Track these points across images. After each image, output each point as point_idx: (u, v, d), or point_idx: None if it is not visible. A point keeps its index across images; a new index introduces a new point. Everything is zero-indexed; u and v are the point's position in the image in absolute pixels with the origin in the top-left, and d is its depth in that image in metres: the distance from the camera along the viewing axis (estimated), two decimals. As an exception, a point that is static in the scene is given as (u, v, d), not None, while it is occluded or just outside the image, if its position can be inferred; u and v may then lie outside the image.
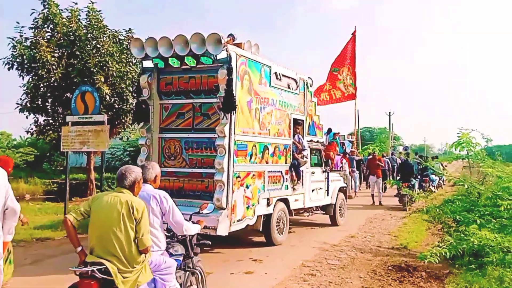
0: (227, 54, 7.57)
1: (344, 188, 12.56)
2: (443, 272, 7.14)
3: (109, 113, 14.44)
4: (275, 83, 9.03)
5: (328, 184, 11.13)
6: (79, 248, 3.86)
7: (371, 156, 17.23)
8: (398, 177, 17.71)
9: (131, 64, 14.90)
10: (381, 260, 8.26)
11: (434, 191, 17.21)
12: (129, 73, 14.53)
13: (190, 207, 7.02)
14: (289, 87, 9.63)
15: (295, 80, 9.87)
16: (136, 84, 15.04)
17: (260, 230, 8.89)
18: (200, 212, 5.37)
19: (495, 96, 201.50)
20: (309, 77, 10.55)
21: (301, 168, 9.80)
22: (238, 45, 8.06)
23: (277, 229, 9.07)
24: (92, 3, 14.96)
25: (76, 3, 14.83)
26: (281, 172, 9.27)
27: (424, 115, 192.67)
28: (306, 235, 10.42)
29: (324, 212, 11.58)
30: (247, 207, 8.12)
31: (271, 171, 8.90)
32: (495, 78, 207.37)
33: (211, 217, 6.88)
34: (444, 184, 21.17)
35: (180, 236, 4.78)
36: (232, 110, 7.61)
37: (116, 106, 14.74)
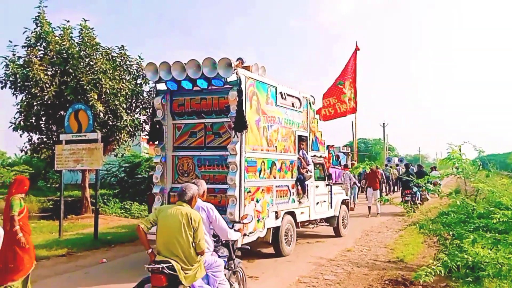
0: (237, 77, 8.02)
1: (347, 201, 13.00)
2: (440, 286, 7.11)
3: (103, 130, 14.42)
4: (280, 102, 9.53)
5: (331, 197, 11.61)
6: (150, 250, 4.89)
7: (371, 171, 17.51)
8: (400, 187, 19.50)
9: (124, 81, 14.90)
10: (377, 274, 8.23)
11: (418, 204, 17.37)
12: (122, 90, 14.50)
13: None
14: (293, 106, 10.13)
15: (298, 98, 10.37)
16: (129, 100, 15.24)
17: (270, 242, 9.19)
18: (241, 221, 6.64)
19: (488, 104, 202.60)
20: (311, 95, 11.08)
21: (306, 182, 10.21)
22: (247, 68, 8.57)
23: (285, 241, 9.47)
24: (85, 20, 15.00)
25: (68, 21, 14.82)
26: (287, 186, 9.70)
27: (418, 125, 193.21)
28: (302, 250, 10.38)
29: (328, 224, 12.01)
30: (258, 220, 8.48)
31: (279, 186, 9.32)
32: (486, 87, 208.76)
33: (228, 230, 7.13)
34: (429, 198, 21.01)
35: (224, 241, 5.72)
36: (244, 129, 8.06)
37: (110, 123, 14.69)
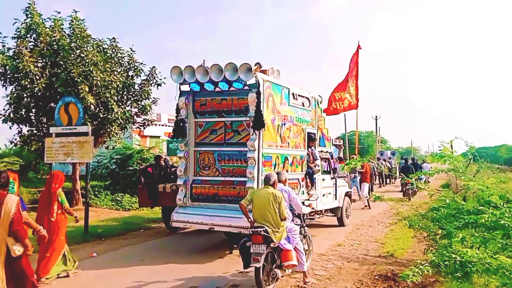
0: (256, 80, 8.84)
1: (349, 193, 13.92)
2: (429, 281, 7.16)
3: (94, 123, 14.31)
4: (292, 102, 10.36)
5: (336, 189, 12.49)
6: (251, 219, 6.91)
7: (363, 169, 18.21)
8: (400, 176, 21.69)
9: (115, 73, 14.76)
10: (367, 269, 8.28)
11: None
12: (113, 82, 14.35)
13: (224, 210, 9.14)
14: (303, 105, 10.98)
15: (308, 98, 11.21)
16: (121, 92, 15.13)
17: None
18: (309, 198, 9.39)
19: (480, 98, 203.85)
20: (319, 95, 11.98)
21: (314, 176, 11.11)
22: (264, 71, 9.35)
23: None
24: (76, 12, 14.83)
25: (59, 12, 14.61)
26: (298, 179, 10.64)
27: (410, 118, 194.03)
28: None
29: (333, 214, 12.88)
30: None
31: (291, 179, 9.87)
32: (478, 80, 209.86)
33: (244, 219, 7.83)
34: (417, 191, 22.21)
35: (297, 213, 7.74)
36: (262, 128, 8.88)
37: (101, 116, 14.58)
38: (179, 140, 9.92)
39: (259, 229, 6.60)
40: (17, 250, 5.26)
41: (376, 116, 51.58)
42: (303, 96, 10.94)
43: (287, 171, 9.64)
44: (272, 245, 6.67)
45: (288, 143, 10.14)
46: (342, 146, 27.28)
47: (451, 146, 6.24)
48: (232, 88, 9.09)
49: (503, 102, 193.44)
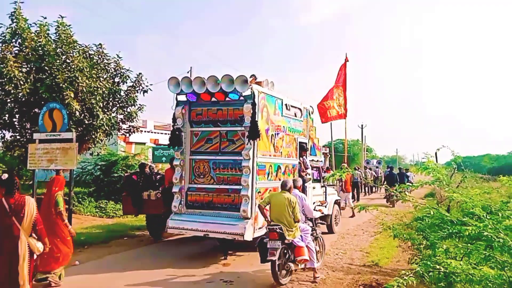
0: (251, 91, 9.16)
1: (339, 201, 14.42)
2: (413, 291, 7.20)
3: (79, 129, 14.16)
4: (285, 112, 10.71)
5: (326, 197, 12.59)
6: (268, 218, 7.91)
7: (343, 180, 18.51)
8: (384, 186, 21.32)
9: (101, 79, 14.64)
10: (352, 278, 8.30)
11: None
12: (99, 89, 14.21)
13: (218, 217, 9.38)
14: (295, 115, 11.35)
15: (300, 109, 11.60)
16: (106, 99, 15.02)
17: None
18: (321, 205, 10.41)
19: (465, 107, 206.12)
20: (310, 106, 12.45)
21: (306, 184, 11.22)
22: (259, 83, 9.71)
23: None
24: (62, 17, 14.70)
25: (45, 18, 14.46)
26: None
27: (395, 127, 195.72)
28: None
29: (323, 222, 13.07)
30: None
31: None
32: (464, 90, 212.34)
33: (238, 226, 8.91)
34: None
35: (309, 217, 8.65)
36: (257, 138, 9.19)
37: (86, 122, 14.42)
38: (175, 148, 10.15)
39: (275, 227, 7.52)
40: (41, 247, 5.80)
41: (362, 125, 51.97)
42: (295, 107, 11.32)
43: (279, 179, 9.88)
44: (286, 241, 7.55)
45: (281, 152, 10.47)
46: (328, 154, 27.44)
47: (436, 157, 6.32)
48: (227, 99, 9.37)
49: (491, 110, 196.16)
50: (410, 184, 9.98)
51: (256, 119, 9.14)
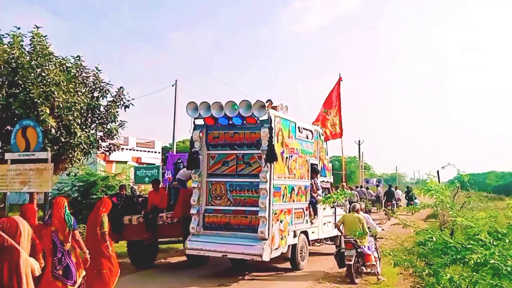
0: (268, 116, 10.07)
1: None
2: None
3: (55, 147, 13.98)
4: (298, 135, 11.67)
5: (335, 218, 13.20)
6: (343, 233, 10.71)
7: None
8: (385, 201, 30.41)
9: (79, 94, 14.52)
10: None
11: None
12: (77, 104, 14.03)
13: (236, 238, 10.16)
14: (307, 138, 12.31)
15: (311, 131, 12.61)
16: (85, 115, 14.91)
17: (289, 257, 11.28)
18: (380, 223, 14.87)
19: (467, 123, 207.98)
20: (320, 127, 13.75)
21: (317, 205, 12.22)
22: (274, 107, 10.66)
23: (300, 257, 11.54)
24: (37, 28, 14.64)
25: (19, 28, 14.37)
26: (302, 208, 11.83)
27: (395, 144, 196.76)
28: (268, 285, 10.32)
29: (333, 243, 13.82)
30: (281, 238, 10.46)
31: (296, 208, 11.42)
32: (466, 104, 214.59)
33: (257, 246, 9.72)
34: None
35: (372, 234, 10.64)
36: (274, 161, 10.07)
37: (63, 140, 14.24)
38: (193, 171, 10.87)
39: (350, 239, 9.90)
40: (38, 268, 5.80)
41: (359, 141, 52.13)
42: (307, 129, 12.33)
43: (293, 201, 11.17)
44: (359, 250, 10.03)
45: (295, 174, 11.33)
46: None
47: (438, 176, 6.33)
48: (244, 123, 10.24)
49: (492, 126, 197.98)
50: (415, 206, 10.73)
51: (273, 143, 9.95)
